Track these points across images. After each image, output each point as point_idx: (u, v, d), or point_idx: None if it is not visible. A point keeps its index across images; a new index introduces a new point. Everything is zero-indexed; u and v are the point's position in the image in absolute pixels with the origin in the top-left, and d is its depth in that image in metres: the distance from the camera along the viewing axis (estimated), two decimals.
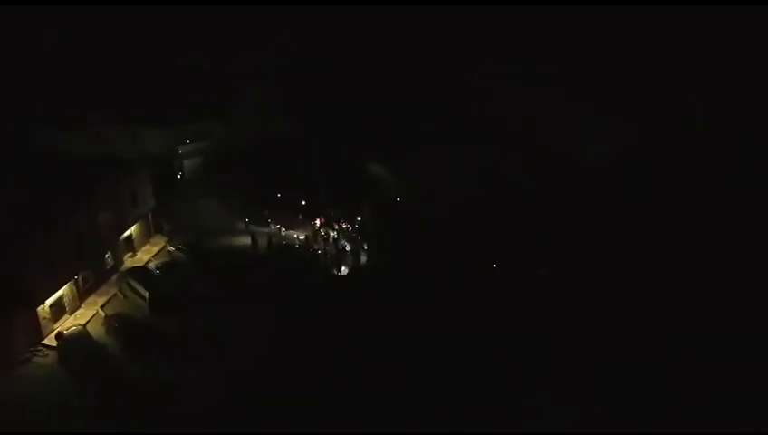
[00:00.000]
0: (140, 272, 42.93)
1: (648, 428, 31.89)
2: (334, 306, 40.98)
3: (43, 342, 37.51)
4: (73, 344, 36.56)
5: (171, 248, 47.57)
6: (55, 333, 37.92)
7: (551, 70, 65.38)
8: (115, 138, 56.33)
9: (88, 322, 39.72)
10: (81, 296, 41.18)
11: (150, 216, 49.15)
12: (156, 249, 48.24)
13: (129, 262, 46.20)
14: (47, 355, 36.82)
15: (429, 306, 40.54)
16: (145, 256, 47.35)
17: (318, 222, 52.09)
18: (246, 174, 55.31)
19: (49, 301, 38.12)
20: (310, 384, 33.81)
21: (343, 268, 47.15)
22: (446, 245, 47.17)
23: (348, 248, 49.28)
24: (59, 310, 39.41)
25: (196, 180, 57.18)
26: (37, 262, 35.98)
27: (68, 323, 38.84)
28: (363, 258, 48.11)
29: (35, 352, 36.82)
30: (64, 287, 39.50)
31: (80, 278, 40.91)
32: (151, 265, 45.31)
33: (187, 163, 58.10)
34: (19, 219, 36.83)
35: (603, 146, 56.54)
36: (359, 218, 52.36)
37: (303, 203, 52.55)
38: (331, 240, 50.39)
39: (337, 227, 51.63)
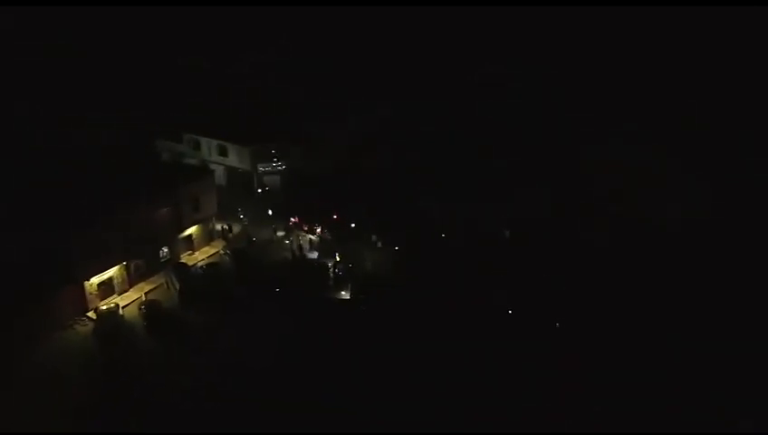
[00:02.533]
0: (183, 268, 48.36)
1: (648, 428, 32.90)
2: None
3: (87, 314, 43.88)
4: (105, 319, 42.50)
5: (222, 253, 52.58)
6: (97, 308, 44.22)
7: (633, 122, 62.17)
8: (207, 150, 63.83)
9: (129, 303, 45.68)
10: (130, 281, 47.39)
11: (213, 221, 54.80)
12: (212, 252, 53.59)
13: (185, 259, 51.95)
14: (87, 325, 43.10)
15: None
16: (201, 256, 52.88)
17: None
18: (313, 196, 59.13)
19: (97, 280, 44.54)
20: (308, 388, 35.95)
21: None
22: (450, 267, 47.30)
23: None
24: (108, 289, 45.77)
25: (272, 196, 62.27)
26: (87, 245, 42.40)
27: (113, 302, 44.89)
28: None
29: (78, 321, 43.17)
30: (114, 270, 45.86)
31: (131, 265, 47.14)
32: (199, 265, 50.56)
33: (267, 179, 63.60)
34: (82, 206, 43.66)
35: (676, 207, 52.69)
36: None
37: (353, 225, 54.89)
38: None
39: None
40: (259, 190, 62.09)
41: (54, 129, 65.07)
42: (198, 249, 53.56)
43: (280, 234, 55.68)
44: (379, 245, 53.40)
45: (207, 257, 52.59)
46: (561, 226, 54.11)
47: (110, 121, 68.11)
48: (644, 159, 59.44)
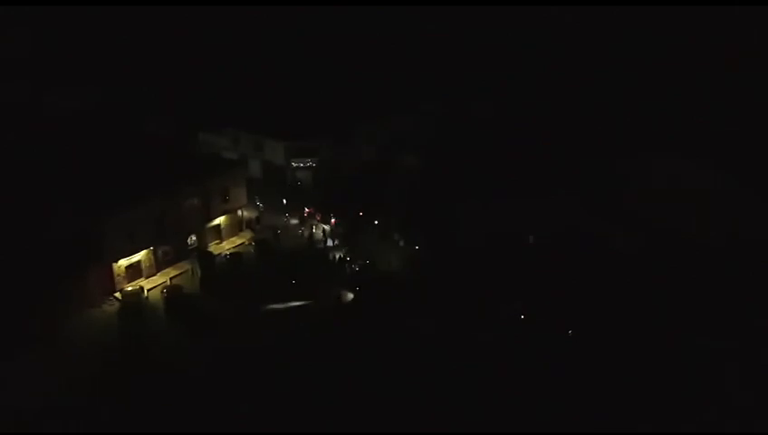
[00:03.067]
0: (207, 256, 50.56)
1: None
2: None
3: (115, 294, 46.70)
4: (128, 299, 45.17)
5: (247, 243, 54.59)
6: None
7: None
8: (246, 145, 66.33)
9: (154, 287, 48.27)
10: (158, 266, 50.04)
11: (243, 212, 56.92)
12: (239, 241, 55.69)
13: (213, 247, 54.25)
14: (114, 305, 45.91)
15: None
16: (228, 245, 55.07)
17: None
18: (344, 193, 60.36)
19: (125, 262, 47.33)
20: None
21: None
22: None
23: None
24: (136, 272, 48.53)
25: (304, 190, 63.98)
26: (115, 229, 45.16)
27: (139, 284, 47.60)
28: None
29: (107, 301, 46.03)
30: (142, 255, 48.56)
31: (159, 251, 49.76)
32: (224, 254, 52.73)
33: (300, 174, 65.38)
34: (114, 193, 46.51)
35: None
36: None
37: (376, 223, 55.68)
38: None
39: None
40: (291, 185, 63.75)
41: (113, 121, 69.07)
42: (226, 239, 55.73)
43: (293, 222, 57.74)
44: (402, 243, 53.82)
45: (234, 247, 54.67)
46: (588, 233, 52.95)
47: (164, 113, 71.96)
48: (687, 172, 57.44)
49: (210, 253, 51.50)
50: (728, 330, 41.08)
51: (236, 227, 56.84)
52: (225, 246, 54.80)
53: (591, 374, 37.36)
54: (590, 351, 39.82)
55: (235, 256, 51.84)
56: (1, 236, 42.38)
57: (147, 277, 49.29)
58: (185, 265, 51.12)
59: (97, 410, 34.57)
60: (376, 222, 55.68)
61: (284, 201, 59.95)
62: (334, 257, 51.08)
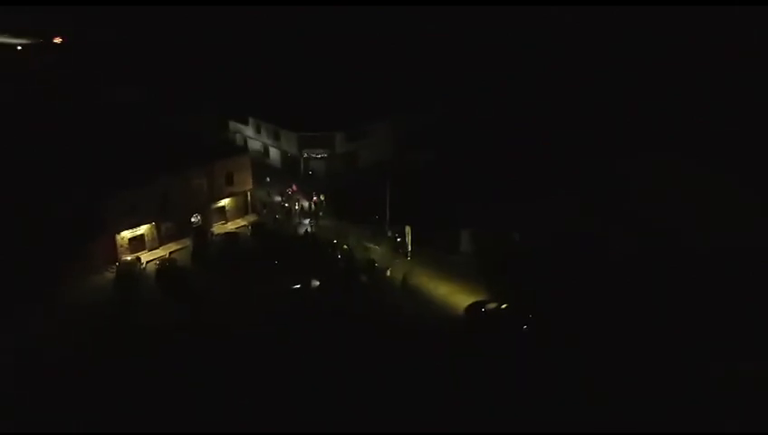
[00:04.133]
0: (201, 233, 54.48)
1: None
2: None
3: (117, 263, 51.41)
4: (124, 268, 49.72)
5: (245, 225, 58.09)
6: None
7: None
8: (266, 134, 70.25)
9: (154, 259, 52.63)
10: (161, 240, 54.44)
11: (249, 196, 60.49)
12: (243, 223, 59.30)
13: (218, 228, 58.13)
14: (114, 272, 50.66)
15: None
16: (232, 226, 58.78)
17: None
18: (350, 186, 62.59)
19: (129, 234, 52.00)
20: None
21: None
22: None
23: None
24: (139, 245, 53.11)
25: (315, 180, 66.88)
26: (118, 203, 49.78)
27: (137, 256, 52.14)
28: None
29: (108, 269, 50.78)
30: (146, 229, 53.09)
31: (162, 226, 54.13)
32: (218, 233, 56.43)
33: (314, 164, 68.33)
34: (122, 170, 51.24)
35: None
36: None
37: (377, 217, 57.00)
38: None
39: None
40: (304, 174, 66.77)
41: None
42: (231, 220, 59.45)
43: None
44: (398, 239, 54.77)
45: (237, 228, 58.28)
46: (587, 234, 52.41)
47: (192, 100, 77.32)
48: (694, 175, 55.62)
49: (204, 231, 55.32)
50: (730, 335, 40.04)
51: (242, 209, 60.42)
52: (229, 227, 58.49)
53: (582, 376, 37.19)
54: (582, 353, 39.53)
55: (230, 235, 55.37)
56: (19, 204, 47.69)
57: (149, 250, 53.77)
58: (186, 242, 55.23)
59: (73, 357, 38.87)
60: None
61: (293, 188, 62.98)
62: (331, 246, 53.13)
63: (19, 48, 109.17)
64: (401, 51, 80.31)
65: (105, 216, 49.81)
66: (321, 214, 59.71)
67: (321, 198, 60.87)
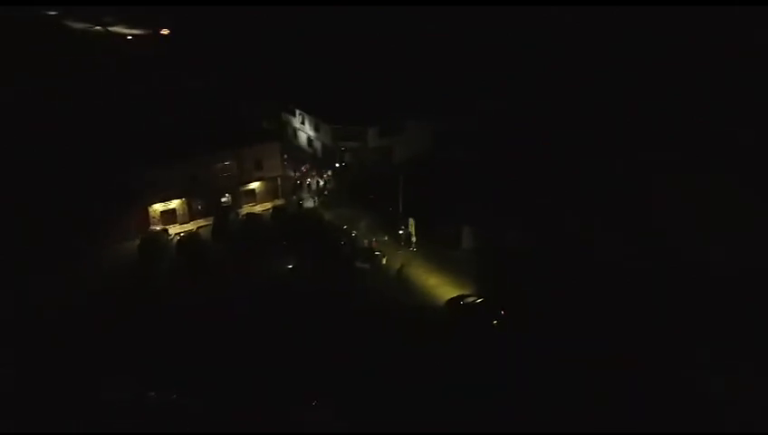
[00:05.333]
0: (224, 211, 59.04)
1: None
2: None
3: (144, 232, 56.92)
4: (151, 237, 55.14)
5: (269, 208, 62.13)
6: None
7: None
8: (309, 125, 74.31)
9: (182, 232, 57.81)
10: (191, 216, 59.57)
11: (279, 181, 64.50)
12: (270, 206, 63.40)
13: (247, 208, 62.61)
14: None
15: None
16: (259, 208, 63.03)
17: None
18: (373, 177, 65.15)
19: (161, 207, 57.47)
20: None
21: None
22: None
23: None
24: (170, 217, 58.43)
25: (348, 170, 69.94)
26: (150, 178, 55.27)
27: (165, 227, 57.53)
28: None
29: (139, 237, 56.43)
30: (177, 204, 58.37)
31: (192, 203, 59.23)
32: (241, 213, 60.78)
33: (348, 157, 71.33)
34: (158, 148, 56.83)
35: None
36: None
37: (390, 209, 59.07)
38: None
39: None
40: (338, 165, 69.97)
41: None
42: (260, 202, 63.65)
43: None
44: (401, 231, 56.58)
45: (263, 210, 62.45)
46: (574, 235, 52.10)
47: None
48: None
49: (228, 210, 59.75)
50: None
51: (272, 193, 64.40)
52: (257, 209, 62.76)
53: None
54: (543, 347, 40.31)
55: (252, 215, 59.52)
56: (65, 174, 54.42)
57: (180, 223, 59.02)
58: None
59: (90, 310, 44.09)
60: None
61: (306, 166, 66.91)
62: (340, 232, 56.07)
63: (129, 38, 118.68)
64: (443, 51, 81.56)
65: (137, 188, 55.30)
66: (326, 192, 64.75)
67: (329, 174, 66.09)
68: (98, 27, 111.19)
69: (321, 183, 66.49)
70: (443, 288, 48.38)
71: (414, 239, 54.62)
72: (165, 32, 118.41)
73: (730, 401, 35.50)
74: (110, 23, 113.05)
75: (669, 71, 65.54)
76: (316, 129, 72.98)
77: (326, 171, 67.57)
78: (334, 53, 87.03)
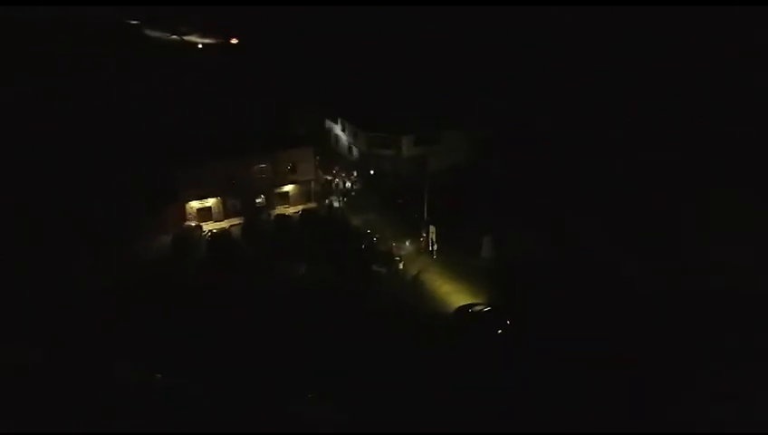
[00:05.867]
0: (255, 212, 61.52)
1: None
2: None
3: (179, 228, 60.01)
4: (185, 232, 58.16)
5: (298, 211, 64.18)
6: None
7: None
8: (348, 132, 76.36)
9: (215, 229, 60.64)
10: (226, 214, 62.37)
11: (312, 184, 66.59)
12: (302, 208, 65.48)
13: (280, 210, 64.93)
14: None
15: None
16: (292, 210, 65.25)
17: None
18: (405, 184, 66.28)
19: (197, 205, 60.50)
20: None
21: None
22: None
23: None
24: (206, 215, 61.39)
25: (379, 178, 71.33)
26: (187, 177, 58.41)
27: (200, 224, 60.50)
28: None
29: (173, 232, 59.61)
30: (213, 202, 61.29)
31: (228, 202, 62.02)
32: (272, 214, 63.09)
33: (383, 164, 72.66)
34: (198, 150, 60.03)
35: None
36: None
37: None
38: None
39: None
40: (371, 172, 71.47)
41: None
42: (293, 205, 65.88)
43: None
44: (422, 238, 57.30)
45: (294, 212, 64.59)
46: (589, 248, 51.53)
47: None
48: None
49: (259, 209, 62.19)
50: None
51: (306, 196, 66.54)
52: (290, 211, 65.00)
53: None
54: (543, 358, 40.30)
55: (282, 217, 61.75)
56: (109, 171, 58.39)
57: (215, 221, 61.90)
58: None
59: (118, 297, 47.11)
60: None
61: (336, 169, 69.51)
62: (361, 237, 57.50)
63: (200, 46, 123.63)
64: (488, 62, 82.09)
65: (176, 186, 58.52)
66: (353, 193, 67.62)
67: (355, 175, 69.33)
68: (173, 36, 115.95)
69: (349, 184, 68.76)
70: (456, 295, 48.67)
71: (435, 247, 55.15)
72: (234, 41, 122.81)
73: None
74: (185, 32, 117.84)
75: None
76: (354, 136, 74.78)
77: (353, 173, 68.91)
78: (382, 59, 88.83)
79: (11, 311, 43.91)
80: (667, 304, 44.98)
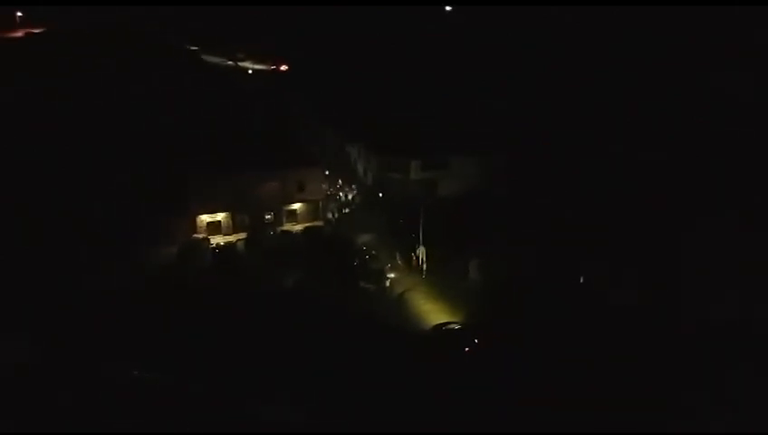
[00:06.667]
0: (259, 228, 64.60)
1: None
2: None
3: (186, 239, 63.49)
4: (191, 243, 61.79)
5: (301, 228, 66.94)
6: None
7: None
8: (362, 156, 79.12)
9: (222, 242, 64.05)
10: (234, 228, 65.80)
11: (321, 204, 69.40)
12: (309, 225, 68.27)
13: (288, 226, 67.96)
14: None
15: None
16: (299, 227, 68.09)
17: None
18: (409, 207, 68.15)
19: (207, 218, 64.20)
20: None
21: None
22: None
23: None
24: (216, 228, 65.02)
25: (388, 199, 73.47)
26: (197, 191, 62.21)
27: (208, 237, 64.05)
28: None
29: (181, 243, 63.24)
30: (223, 216, 64.85)
31: (236, 217, 65.45)
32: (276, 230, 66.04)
33: (393, 187, 74.83)
34: (210, 166, 63.87)
35: None
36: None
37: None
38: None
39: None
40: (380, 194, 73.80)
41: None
42: (301, 222, 68.75)
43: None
44: (414, 257, 58.85)
45: (299, 229, 67.30)
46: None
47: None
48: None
49: (265, 225, 65.26)
50: None
51: (313, 214, 69.34)
52: (296, 228, 67.88)
53: None
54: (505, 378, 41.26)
55: (285, 232, 64.68)
56: (123, 181, 62.88)
57: (224, 234, 65.35)
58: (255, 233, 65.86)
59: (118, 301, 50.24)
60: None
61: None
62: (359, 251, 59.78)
63: (249, 72, 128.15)
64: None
65: (189, 198, 62.38)
66: (353, 206, 71.24)
67: (354, 189, 73.13)
68: (229, 62, 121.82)
69: (350, 197, 72.22)
70: (436, 314, 49.96)
71: (424, 267, 56.70)
72: (284, 67, 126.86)
73: None
74: (240, 58, 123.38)
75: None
76: (366, 159, 77.42)
77: (352, 188, 72.30)
78: (403, 84, 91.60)
79: (15, 310, 47.54)
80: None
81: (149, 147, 69.94)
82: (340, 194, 74.93)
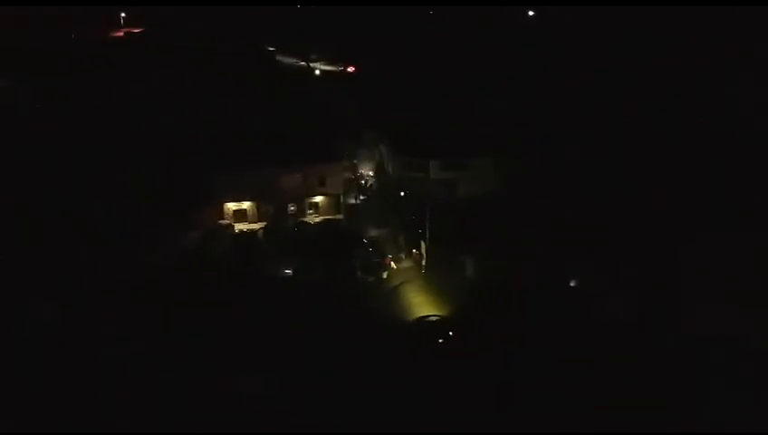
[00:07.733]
0: (280, 218, 68.79)
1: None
2: None
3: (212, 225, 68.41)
4: (213, 229, 66.80)
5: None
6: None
7: None
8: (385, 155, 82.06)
9: (245, 229, 68.73)
10: (259, 217, 70.37)
11: (342, 197, 72.93)
12: (328, 218, 71.92)
13: (309, 218, 71.96)
14: None
15: None
16: (319, 219, 71.89)
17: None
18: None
19: (234, 206, 69.14)
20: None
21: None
22: None
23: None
24: (242, 216, 69.80)
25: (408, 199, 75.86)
26: (224, 182, 67.21)
27: (232, 223, 68.96)
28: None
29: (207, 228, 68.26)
30: (248, 205, 69.63)
31: (261, 206, 70.02)
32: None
33: (413, 186, 77.05)
34: (234, 162, 68.73)
35: None
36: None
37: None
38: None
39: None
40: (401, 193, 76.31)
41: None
42: (322, 215, 72.49)
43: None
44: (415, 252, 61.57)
45: (316, 221, 71.04)
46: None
47: None
48: None
49: (284, 216, 69.39)
50: None
51: (334, 207, 72.87)
52: (316, 220, 71.72)
53: None
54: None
55: (302, 223, 68.63)
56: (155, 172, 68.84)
57: (249, 222, 70.09)
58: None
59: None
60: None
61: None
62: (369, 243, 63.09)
63: (317, 72, 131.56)
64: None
65: (218, 187, 67.50)
66: (368, 192, 75.19)
67: (371, 173, 77.05)
68: (302, 63, 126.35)
69: (369, 183, 76.05)
70: (424, 307, 52.47)
71: (424, 262, 59.12)
72: (351, 69, 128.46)
73: None
74: (313, 59, 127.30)
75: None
76: (391, 158, 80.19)
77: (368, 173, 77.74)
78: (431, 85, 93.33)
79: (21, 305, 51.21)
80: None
81: (189, 140, 75.46)
82: (362, 182, 78.23)
